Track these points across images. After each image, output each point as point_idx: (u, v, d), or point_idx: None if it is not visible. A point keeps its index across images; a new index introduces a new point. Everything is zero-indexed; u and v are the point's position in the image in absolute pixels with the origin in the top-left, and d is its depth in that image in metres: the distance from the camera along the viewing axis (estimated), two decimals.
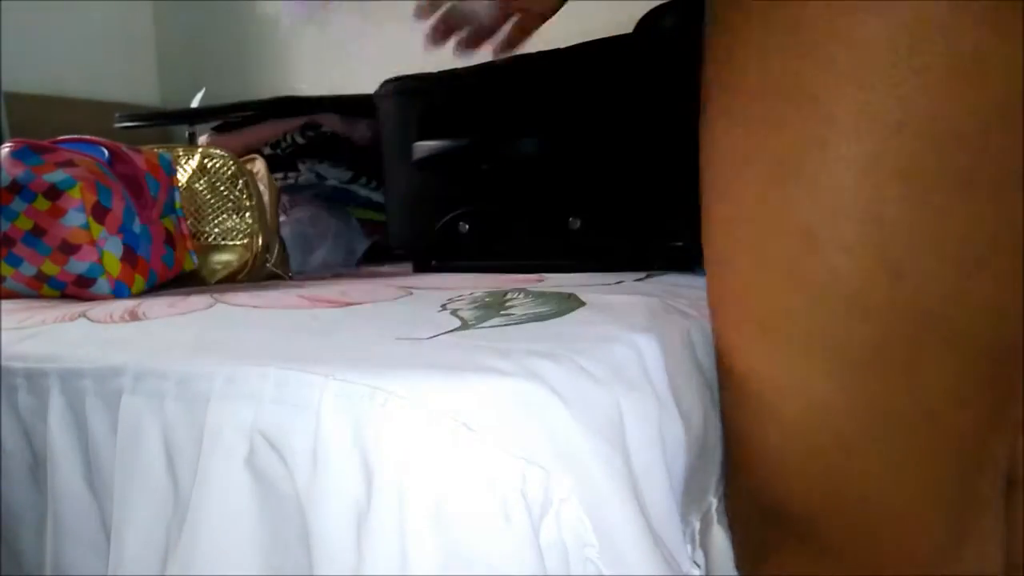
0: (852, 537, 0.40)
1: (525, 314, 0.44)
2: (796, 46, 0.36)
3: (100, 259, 0.63)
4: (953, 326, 0.36)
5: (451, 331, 0.40)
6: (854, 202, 0.35)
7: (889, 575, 0.40)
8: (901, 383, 0.37)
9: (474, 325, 0.41)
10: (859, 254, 0.35)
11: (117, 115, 1.15)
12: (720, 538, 0.44)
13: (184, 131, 1.24)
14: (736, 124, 0.39)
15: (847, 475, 0.39)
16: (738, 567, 0.44)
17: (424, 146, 0.74)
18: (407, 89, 0.80)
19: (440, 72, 0.78)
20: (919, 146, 0.33)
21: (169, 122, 1.26)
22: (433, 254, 0.80)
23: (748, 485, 0.43)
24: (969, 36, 0.32)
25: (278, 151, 1.17)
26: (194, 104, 1.27)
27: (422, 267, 0.81)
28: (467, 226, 0.76)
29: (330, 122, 1.13)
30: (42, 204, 0.62)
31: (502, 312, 0.45)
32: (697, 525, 0.42)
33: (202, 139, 1.22)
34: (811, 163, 0.36)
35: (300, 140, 1.15)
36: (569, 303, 0.47)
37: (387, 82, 0.83)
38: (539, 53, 0.77)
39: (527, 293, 0.52)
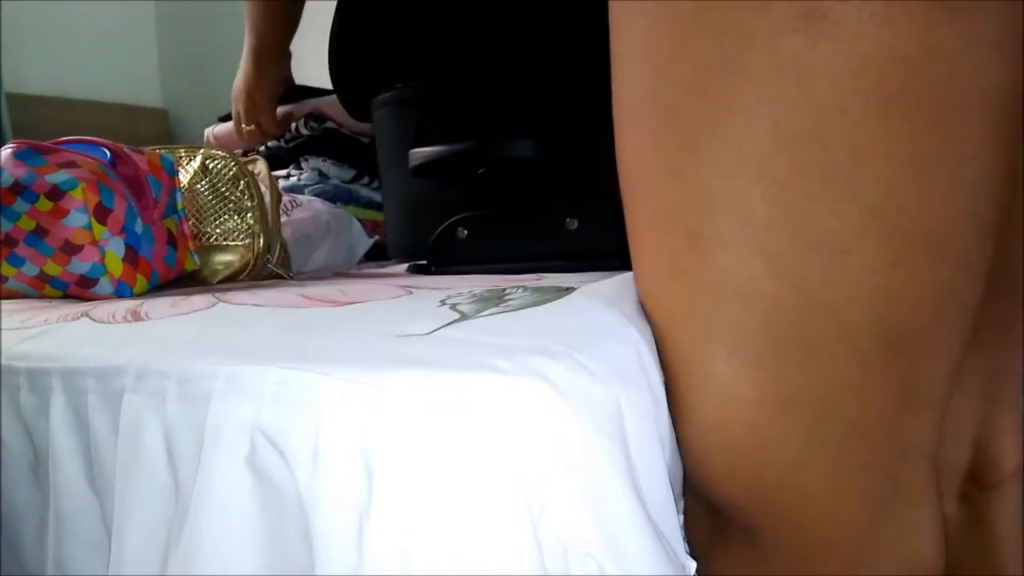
0: (777, 527, 0.41)
1: (522, 302, 0.44)
2: (653, 63, 0.38)
3: (102, 259, 0.63)
4: (835, 314, 0.36)
5: (450, 323, 0.40)
6: (725, 203, 0.36)
7: (816, 565, 0.41)
8: (796, 373, 0.37)
9: (472, 316, 0.41)
10: (739, 251, 0.36)
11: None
12: None
13: (190, 133, 1.25)
14: (632, 131, 0.41)
15: (763, 467, 0.39)
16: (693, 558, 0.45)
17: (420, 153, 0.74)
18: (403, 98, 0.80)
19: (437, 78, 0.78)
20: (772, 147, 0.35)
21: None
22: (432, 261, 0.79)
23: (689, 478, 0.44)
24: (784, 41, 0.33)
25: (283, 142, 1.17)
26: None
27: (422, 272, 0.81)
28: (465, 231, 0.76)
29: (334, 111, 1.13)
30: (44, 205, 0.62)
31: (500, 304, 0.45)
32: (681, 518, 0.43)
33: (208, 130, 1.23)
34: (685, 167, 0.37)
35: (305, 131, 1.15)
36: (566, 292, 0.47)
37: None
38: (536, 56, 0.77)
39: (525, 288, 0.52)
